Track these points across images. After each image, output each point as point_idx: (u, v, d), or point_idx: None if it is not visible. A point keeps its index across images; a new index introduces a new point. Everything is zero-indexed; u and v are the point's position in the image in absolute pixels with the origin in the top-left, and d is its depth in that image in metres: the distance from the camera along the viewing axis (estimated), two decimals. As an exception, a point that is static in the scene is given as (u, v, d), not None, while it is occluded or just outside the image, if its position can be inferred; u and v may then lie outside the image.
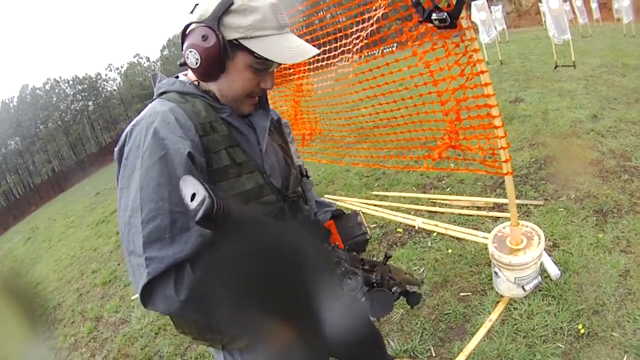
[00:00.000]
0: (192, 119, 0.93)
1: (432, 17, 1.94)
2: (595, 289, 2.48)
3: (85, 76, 56.17)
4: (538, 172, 4.13)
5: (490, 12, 11.99)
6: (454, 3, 1.87)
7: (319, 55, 2.35)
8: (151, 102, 1.02)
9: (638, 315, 2.23)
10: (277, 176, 1.11)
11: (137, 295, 0.88)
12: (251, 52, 0.95)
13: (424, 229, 3.61)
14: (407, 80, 2.76)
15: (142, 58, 62.37)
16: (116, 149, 0.94)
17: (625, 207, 3.21)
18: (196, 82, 1.03)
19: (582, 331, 2.22)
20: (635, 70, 7.35)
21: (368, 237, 1.28)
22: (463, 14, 1.93)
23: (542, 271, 2.63)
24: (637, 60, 8.28)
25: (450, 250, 3.20)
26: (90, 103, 55.87)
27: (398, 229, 3.75)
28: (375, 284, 0.95)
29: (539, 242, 2.37)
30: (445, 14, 1.90)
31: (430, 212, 3.92)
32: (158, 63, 59.85)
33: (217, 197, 0.63)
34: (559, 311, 2.37)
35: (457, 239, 3.33)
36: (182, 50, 0.97)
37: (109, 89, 58.89)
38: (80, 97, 55.64)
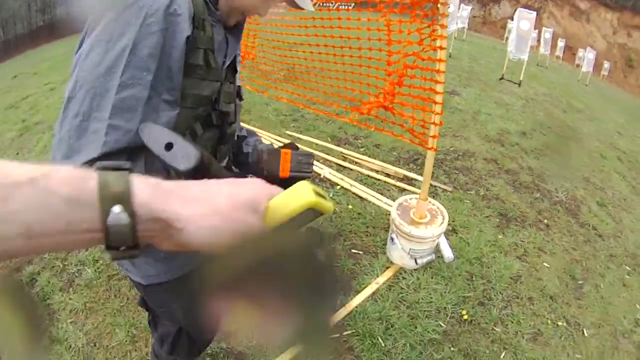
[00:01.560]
0: (195, 8, 0.86)
1: None
2: (485, 282, 2.57)
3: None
4: (454, 161, 4.24)
5: (459, 8, 12.18)
6: None
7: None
8: None
9: (522, 319, 2.35)
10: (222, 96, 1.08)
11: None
12: None
13: (330, 180, 3.56)
14: (362, 31, 2.70)
15: None
16: None
17: (530, 220, 3.38)
18: None
19: (465, 317, 2.28)
20: (577, 112, 7.96)
21: (310, 177, 1.27)
22: None
23: (437, 251, 2.66)
24: (582, 105, 8.99)
25: (350, 207, 3.17)
26: (32, -20, 50.22)
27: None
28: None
29: (442, 222, 2.39)
30: None
31: (339, 165, 3.87)
32: None
33: (203, 152, 0.67)
34: (446, 292, 2.42)
35: (360, 197, 3.31)
36: None
37: None
38: (23, -29, 49.85)
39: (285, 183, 1.07)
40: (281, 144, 1.27)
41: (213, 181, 0.47)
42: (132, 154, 0.78)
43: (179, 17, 0.80)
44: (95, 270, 2.60)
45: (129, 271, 1.11)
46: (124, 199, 0.37)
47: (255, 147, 1.27)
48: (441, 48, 2.11)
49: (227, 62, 1.04)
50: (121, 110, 0.75)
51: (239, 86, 1.19)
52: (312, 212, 0.48)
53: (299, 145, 1.28)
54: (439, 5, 2.05)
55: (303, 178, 1.21)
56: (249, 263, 0.77)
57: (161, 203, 0.40)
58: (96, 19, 0.79)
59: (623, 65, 28.59)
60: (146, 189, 0.40)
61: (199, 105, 0.95)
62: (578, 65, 17.21)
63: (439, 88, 2.14)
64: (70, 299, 2.42)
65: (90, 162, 0.72)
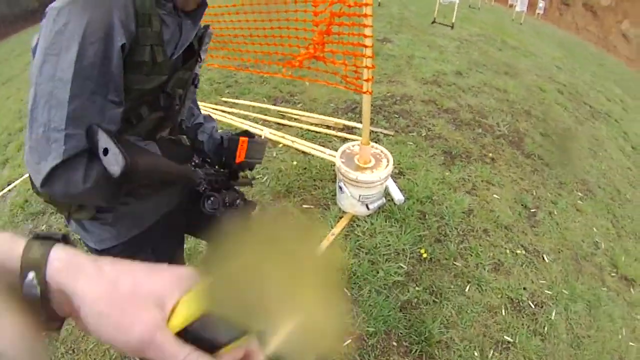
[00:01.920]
0: (137, 7, 0.90)
1: None
2: (438, 219, 2.65)
3: None
4: (392, 106, 4.27)
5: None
6: None
7: None
8: None
9: (480, 251, 2.44)
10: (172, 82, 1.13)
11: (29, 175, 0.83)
12: None
13: (270, 140, 3.55)
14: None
15: None
16: (52, 6, 0.84)
17: (474, 155, 3.48)
18: None
19: (424, 255, 2.35)
20: (512, 49, 8.09)
21: (260, 162, 1.42)
22: None
23: (387, 195, 2.72)
24: (516, 42, 9.14)
25: (295, 163, 3.18)
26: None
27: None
28: (228, 204, 1.17)
29: (387, 165, 2.43)
30: None
31: (278, 124, 3.87)
32: None
33: (129, 156, 0.82)
34: (401, 234, 2.48)
35: (303, 152, 3.33)
36: None
37: None
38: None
39: (239, 167, 1.30)
40: (237, 132, 1.35)
41: (130, 264, 0.42)
42: (90, 156, 0.87)
43: (115, 25, 0.85)
44: None
45: (84, 238, 1.19)
46: (38, 267, 0.38)
47: (211, 135, 1.36)
48: (366, -9, 2.09)
49: (178, 52, 1.07)
50: (74, 119, 0.83)
51: (195, 73, 1.22)
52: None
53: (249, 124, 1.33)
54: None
55: (253, 164, 1.36)
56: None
57: (68, 276, 0.39)
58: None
59: (558, 3, 29.18)
60: (61, 261, 0.39)
61: (143, 97, 1.01)
62: (511, 6, 17.44)
63: (368, 32, 2.15)
64: None
65: (56, 168, 0.83)
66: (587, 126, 5.13)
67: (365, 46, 2.18)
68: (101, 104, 0.88)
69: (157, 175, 1.00)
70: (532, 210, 2.96)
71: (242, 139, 1.28)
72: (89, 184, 0.88)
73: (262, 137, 1.20)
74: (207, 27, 1.24)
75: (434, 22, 8.94)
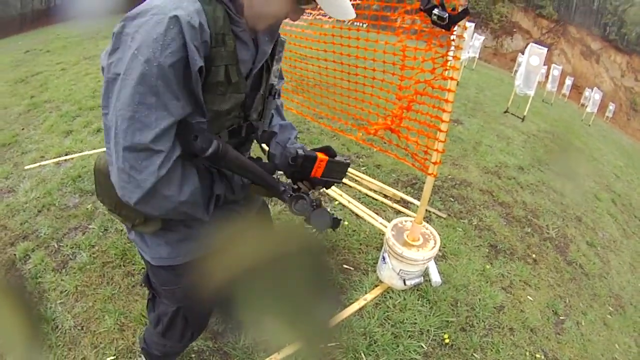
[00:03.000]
0: (211, 27, 0.91)
1: (433, 11, 1.96)
2: (469, 309, 2.65)
3: None
4: (451, 189, 4.32)
5: (472, 37, 12.29)
6: (459, 10, 1.91)
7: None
8: None
9: (501, 348, 2.42)
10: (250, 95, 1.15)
11: (131, 199, 0.90)
12: None
13: (329, 195, 3.65)
14: (378, 53, 2.78)
15: None
16: (120, 24, 0.87)
17: (518, 253, 3.47)
18: None
19: (446, 341, 2.35)
20: (576, 152, 7.99)
21: (340, 183, 1.44)
22: (462, 23, 1.98)
23: (426, 275, 2.75)
24: (583, 144, 9.12)
25: (346, 223, 3.25)
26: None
27: None
28: (316, 205, 1.17)
29: (434, 247, 2.48)
30: (447, 14, 1.93)
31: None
32: None
33: (220, 141, 0.92)
34: (430, 315, 2.49)
35: (357, 215, 3.40)
36: None
37: None
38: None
39: (312, 184, 1.27)
40: (317, 147, 1.29)
41: None
42: (185, 166, 0.95)
43: (190, 46, 0.86)
44: (90, 255, 2.65)
45: (141, 250, 1.23)
46: None
47: (285, 148, 1.31)
48: (452, 79, 2.19)
49: (256, 67, 1.08)
50: (160, 138, 0.86)
51: (271, 84, 1.21)
52: None
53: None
54: (454, 38, 2.13)
55: (331, 183, 1.33)
56: (252, 259, 0.89)
57: None
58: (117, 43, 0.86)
59: (627, 109, 28.92)
60: None
61: (220, 118, 1.04)
62: (583, 105, 17.42)
63: (446, 117, 2.22)
64: (62, 280, 2.47)
65: (152, 188, 0.88)
66: (634, 241, 5.00)
67: (440, 130, 2.25)
68: (190, 117, 0.94)
69: (243, 172, 1.06)
70: (561, 318, 2.91)
71: (320, 157, 1.22)
72: (184, 197, 0.94)
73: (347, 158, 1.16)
74: (278, 36, 1.21)
75: (506, 111, 9.00)
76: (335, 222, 1.27)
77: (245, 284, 0.95)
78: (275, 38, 1.12)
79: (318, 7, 1.04)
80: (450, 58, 2.15)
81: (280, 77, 1.31)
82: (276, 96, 1.25)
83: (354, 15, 1.06)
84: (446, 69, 2.20)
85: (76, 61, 8.61)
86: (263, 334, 2.02)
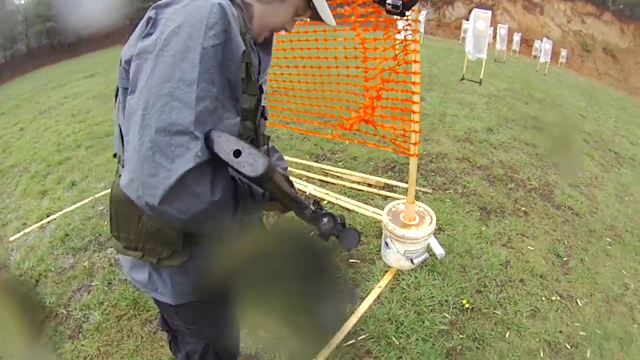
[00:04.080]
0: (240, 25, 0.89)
1: (387, 1, 2.03)
2: (478, 272, 2.76)
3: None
4: (429, 164, 4.44)
5: (413, 14, 12.44)
6: None
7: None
8: None
9: (518, 300, 2.54)
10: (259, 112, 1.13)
11: (138, 191, 0.75)
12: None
13: (315, 196, 3.65)
14: (339, 50, 2.86)
15: None
16: (152, 11, 0.83)
17: (508, 209, 3.61)
18: None
19: (466, 305, 2.45)
20: (539, 102, 8.38)
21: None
22: (415, 7, 2.05)
23: (428, 250, 2.83)
24: (542, 94, 9.45)
25: None
26: (-7, 16, 48.37)
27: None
28: (342, 224, 1.14)
29: (431, 221, 2.58)
30: (401, 2, 2.00)
31: (321, 181, 4.00)
32: None
33: (270, 160, 0.75)
34: (444, 286, 2.58)
35: (347, 209, 3.46)
36: None
37: (15, 2, 51.81)
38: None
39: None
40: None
41: None
42: (216, 165, 0.80)
43: (233, 31, 0.83)
44: (102, 313, 2.57)
45: (158, 292, 1.10)
46: None
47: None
48: (415, 61, 2.28)
49: (262, 78, 1.09)
50: (201, 123, 0.76)
51: (263, 106, 1.19)
52: None
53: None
54: (410, 22, 2.22)
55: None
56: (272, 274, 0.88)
57: None
58: (154, 23, 0.82)
59: (580, 51, 29.61)
60: None
61: (244, 119, 0.97)
62: (535, 57, 17.85)
63: (416, 98, 2.32)
64: (82, 345, 2.39)
65: (184, 177, 0.74)
66: (613, 173, 5.26)
67: (413, 112, 2.35)
68: (221, 112, 0.82)
69: (279, 194, 0.94)
70: (564, 259, 3.07)
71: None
72: (217, 195, 0.80)
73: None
74: None
75: (462, 78, 9.23)
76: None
77: (268, 300, 0.93)
78: (270, 53, 1.14)
79: (306, 17, 1.12)
80: (410, 42, 2.25)
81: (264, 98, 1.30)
82: (266, 117, 1.24)
83: (334, 23, 1.13)
84: (407, 53, 2.29)
85: (32, 118, 8.44)
86: (295, 344, 2.07)
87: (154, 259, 1.02)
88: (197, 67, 0.76)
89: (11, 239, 3.78)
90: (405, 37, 2.24)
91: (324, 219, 1.14)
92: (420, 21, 2.17)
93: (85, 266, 3.08)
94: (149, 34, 0.82)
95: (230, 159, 0.75)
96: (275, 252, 0.98)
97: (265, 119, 1.24)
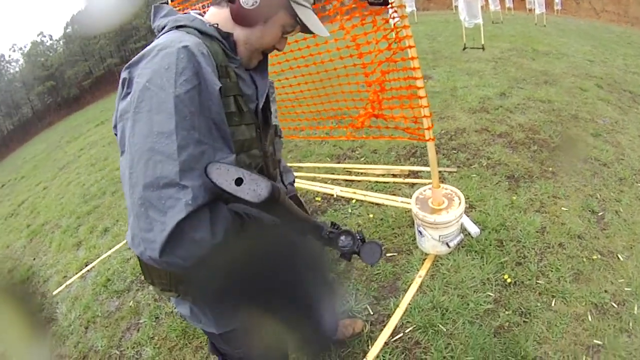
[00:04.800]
0: (214, 58, 0.91)
1: None
2: (515, 243, 2.72)
3: (-13, 59, 51.12)
4: (449, 142, 4.39)
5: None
6: None
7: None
8: (164, 34, 0.94)
9: (559, 266, 2.50)
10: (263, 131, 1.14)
11: (141, 247, 0.77)
12: (293, 15, 1.03)
13: (343, 197, 3.69)
14: (333, 52, 2.86)
15: (45, 37, 57.46)
16: (125, 71, 0.86)
17: (536, 173, 3.55)
18: (216, 25, 1.00)
19: (508, 280, 2.43)
20: (545, 56, 8.16)
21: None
22: None
23: (463, 230, 2.81)
24: (546, 47, 9.21)
25: (371, 215, 3.30)
26: (-8, 88, 50.56)
27: (317, 198, 3.81)
28: (361, 239, 1.13)
29: (460, 202, 2.54)
30: None
31: (346, 180, 4.01)
32: (61, 41, 55.79)
33: (274, 184, 0.75)
34: (483, 264, 2.56)
35: (377, 204, 3.45)
36: None
37: (11, 71, 53.89)
38: (-18, 83, 50.48)
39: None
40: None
41: None
42: (212, 207, 0.81)
43: (204, 70, 0.84)
44: (153, 347, 2.66)
45: (202, 323, 1.15)
46: None
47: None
48: (410, 46, 2.26)
49: (261, 101, 1.09)
50: (187, 171, 0.77)
51: (275, 125, 1.23)
52: None
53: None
54: (397, 9, 2.20)
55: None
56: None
57: None
58: (128, 84, 0.85)
59: (574, -6, 28.85)
60: None
61: (243, 150, 0.99)
62: (531, 10, 17.52)
63: (419, 83, 2.30)
64: None
65: (179, 227, 0.75)
66: (632, 114, 5.13)
67: (420, 97, 2.33)
68: (210, 154, 0.83)
69: (289, 218, 0.93)
70: (599, 214, 3.00)
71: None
72: (218, 238, 0.80)
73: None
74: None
75: (465, 48, 9.12)
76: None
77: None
78: (266, 75, 1.15)
79: (295, 33, 1.11)
80: (401, 29, 2.23)
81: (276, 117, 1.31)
82: (281, 135, 1.28)
83: (328, 34, 1.13)
84: (400, 40, 2.28)
85: (53, 175, 8.68)
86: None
87: (190, 298, 1.08)
88: (173, 117, 0.78)
89: (54, 292, 3.90)
90: (394, 24, 2.22)
91: (341, 238, 1.12)
92: (405, 6, 2.15)
93: (131, 306, 3.16)
94: (126, 95, 0.84)
95: (233, 188, 0.75)
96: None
97: (280, 137, 1.27)
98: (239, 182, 0.75)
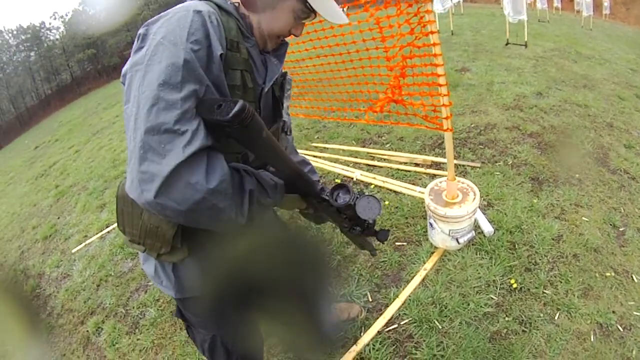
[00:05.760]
0: (226, 31, 0.95)
1: None
2: (528, 248, 2.63)
3: (30, 25, 52.88)
4: (477, 137, 4.27)
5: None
6: None
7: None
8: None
9: (570, 278, 2.39)
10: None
11: (141, 189, 0.79)
12: (303, 1, 1.05)
13: (362, 181, 3.67)
14: (356, 34, 2.80)
15: (87, 6, 59.43)
16: (143, 28, 0.92)
17: (561, 178, 3.41)
18: (236, 4, 1.05)
19: (514, 286, 2.35)
20: (587, 60, 7.88)
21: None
22: None
23: (476, 227, 2.74)
24: (590, 50, 8.88)
25: (387, 202, 3.27)
26: (32, 53, 52.51)
27: (337, 180, 3.81)
28: (359, 194, 1.13)
29: (474, 198, 2.47)
30: None
31: (368, 165, 3.99)
32: (103, 13, 57.30)
33: (248, 105, 0.78)
34: (491, 265, 2.49)
35: (395, 192, 3.41)
36: None
37: (51, 38, 55.66)
38: (23, 48, 52.39)
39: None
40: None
41: None
42: (210, 153, 0.84)
43: (212, 37, 0.90)
44: (157, 309, 2.77)
45: (163, 285, 1.20)
46: None
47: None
48: (432, 32, 2.18)
49: (268, 86, 1.11)
50: (186, 119, 0.81)
51: (283, 121, 1.25)
52: None
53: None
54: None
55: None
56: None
57: None
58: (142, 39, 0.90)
59: (624, -1, 27.56)
60: None
61: None
62: (578, 12, 16.80)
63: (440, 70, 2.22)
64: (137, 339, 2.59)
65: (176, 170, 0.77)
66: (671, 130, 4.85)
67: (440, 85, 2.25)
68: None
69: (273, 154, 0.95)
70: (620, 229, 2.85)
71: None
72: (213, 183, 0.82)
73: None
74: (285, 73, 1.26)
75: (507, 43, 8.82)
76: (383, 235, 1.28)
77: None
78: (282, 60, 1.17)
79: (315, 18, 1.12)
80: (424, 14, 2.15)
81: (288, 114, 1.34)
82: (289, 133, 1.30)
83: (347, 20, 1.15)
84: (424, 25, 2.20)
85: (86, 140, 8.93)
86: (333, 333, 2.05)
87: (154, 253, 1.11)
88: (181, 70, 0.83)
89: (73, 251, 4.06)
90: (418, 9, 2.15)
91: (335, 192, 1.12)
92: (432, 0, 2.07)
93: (143, 269, 3.26)
94: (140, 48, 0.89)
95: (215, 112, 0.80)
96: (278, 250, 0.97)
97: (287, 134, 1.30)
98: (219, 105, 0.80)
